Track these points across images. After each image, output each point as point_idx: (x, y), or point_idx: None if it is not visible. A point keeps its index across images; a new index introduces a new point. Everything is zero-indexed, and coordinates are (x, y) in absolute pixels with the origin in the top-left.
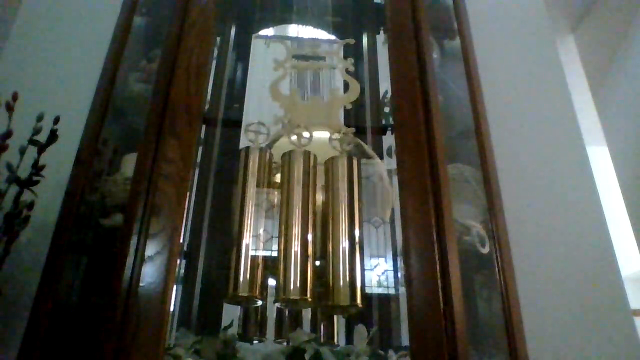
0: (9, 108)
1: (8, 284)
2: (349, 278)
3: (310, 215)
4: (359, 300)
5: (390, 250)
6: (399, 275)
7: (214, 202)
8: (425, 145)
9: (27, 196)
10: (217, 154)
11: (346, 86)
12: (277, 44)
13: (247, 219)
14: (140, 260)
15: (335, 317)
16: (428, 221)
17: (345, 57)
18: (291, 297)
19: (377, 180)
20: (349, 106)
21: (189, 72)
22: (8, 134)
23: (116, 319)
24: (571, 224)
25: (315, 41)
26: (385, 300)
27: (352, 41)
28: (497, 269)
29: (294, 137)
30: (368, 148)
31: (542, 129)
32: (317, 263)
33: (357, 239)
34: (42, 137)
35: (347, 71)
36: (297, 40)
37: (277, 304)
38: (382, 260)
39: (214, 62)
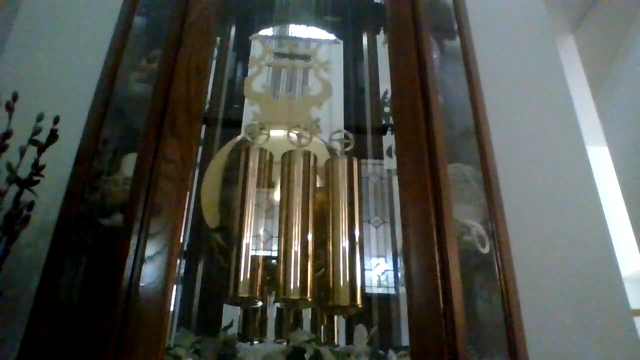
0: (9, 108)
1: (8, 284)
2: (349, 278)
3: (310, 215)
4: (359, 300)
5: (390, 250)
6: (399, 275)
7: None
8: (425, 145)
9: (27, 196)
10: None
11: (346, 85)
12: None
13: (247, 219)
14: (140, 260)
15: (335, 317)
16: (428, 221)
17: (345, 58)
18: (291, 297)
19: None
20: (321, 105)
21: (189, 72)
22: (8, 134)
23: (116, 319)
24: (571, 224)
25: (293, 40)
26: (385, 300)
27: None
28: (497, 269)
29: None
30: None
31: (542, 129)
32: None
33: (357, 239)
34: (42, 137)
35: (323, 72)
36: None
37: (277, 304)
38: (382, 260)
39: (214, 62)
